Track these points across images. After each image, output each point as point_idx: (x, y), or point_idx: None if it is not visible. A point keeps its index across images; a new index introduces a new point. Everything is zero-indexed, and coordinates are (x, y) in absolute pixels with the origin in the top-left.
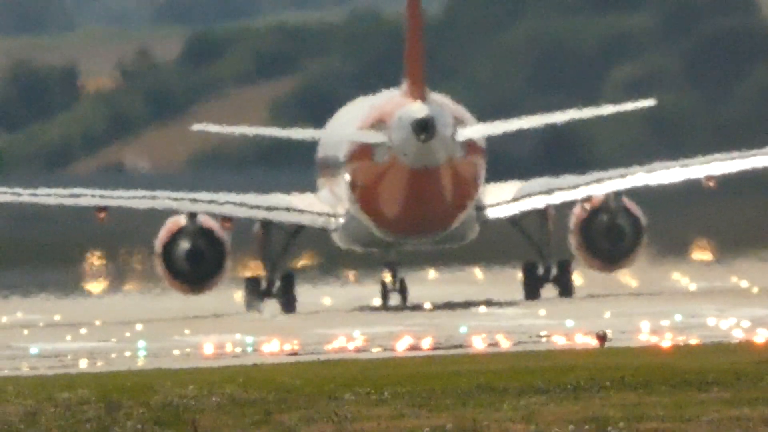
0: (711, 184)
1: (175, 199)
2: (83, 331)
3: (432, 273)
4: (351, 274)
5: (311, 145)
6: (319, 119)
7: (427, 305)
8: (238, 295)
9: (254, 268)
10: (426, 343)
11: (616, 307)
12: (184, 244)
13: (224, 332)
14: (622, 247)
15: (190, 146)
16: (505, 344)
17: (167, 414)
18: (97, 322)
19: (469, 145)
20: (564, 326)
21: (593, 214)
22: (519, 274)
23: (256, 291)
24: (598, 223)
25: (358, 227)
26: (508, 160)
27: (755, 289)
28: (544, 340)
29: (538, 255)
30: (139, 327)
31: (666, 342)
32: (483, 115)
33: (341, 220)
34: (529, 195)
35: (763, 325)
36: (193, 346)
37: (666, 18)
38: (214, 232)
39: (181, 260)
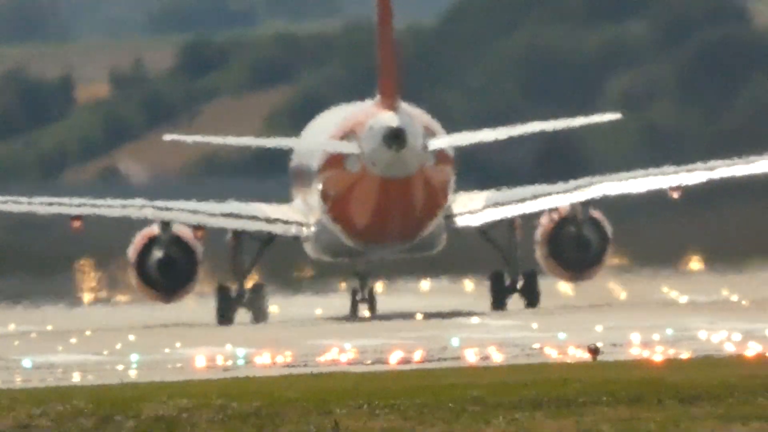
0: (675, 195)
1: (148, 208)
2: (74, 341)
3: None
4: (342, 284)
5: None
6: None
7: (419, 316)
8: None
9: (226, 278)
10: (418, 356)
11: (607, 321)
12: (156, 253)
13: (215, 344)
14: (588, 258)
15: (186, 154)
16: (497, 357)
17: (160, 427)
18: (88, 333)
19: (439, 155)
20: (556, 339)
21: (560, 225)
22: (486, 284)
23: (226, 300)
24: (564, 234)
25: (329, 236)
26: (503, 169)
27: (745, 302)
28: (536, 351)
29: (505, 265)
30: (131, 338)
31: (657, 356)
32: (478, 124)
33: (312, 230)
34: (497, 204)
35: (755, 338)
36: (184, 359)
37: (661, 29)
38: (187, 241)
39: (153, 269)
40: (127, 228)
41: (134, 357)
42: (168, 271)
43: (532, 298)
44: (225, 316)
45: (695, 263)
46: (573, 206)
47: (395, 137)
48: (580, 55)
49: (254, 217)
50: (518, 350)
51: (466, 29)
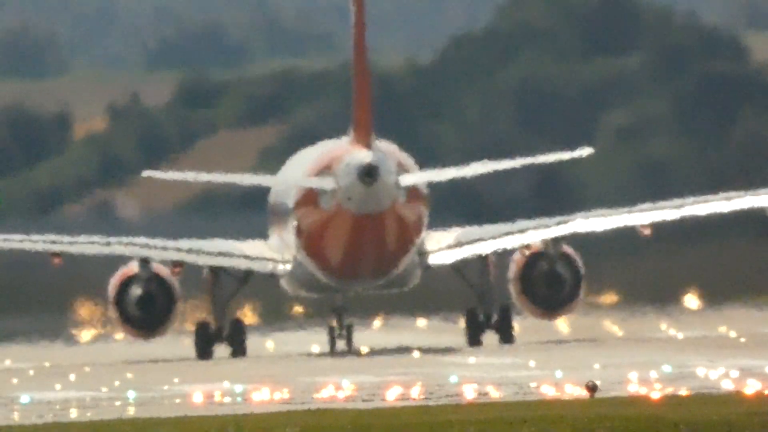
0: (646, 232)
1: (127, 245)
2: (72, 377)
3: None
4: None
5: None
6: None
7: (416, 354)
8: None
9: (204, 314)
10: (415, 393)
11: (605, 358)
12: (135, 290)
13: (213, 380)
14: (561, 295)
15: (183, 190)
16: (495, 394)
17: None
18: (87, 369)
19: (412, 192)
20: (553, 376)
21: (533, 262)
22: (462, 321)
23: (205, 336)
24: (537, 271)
25: (304, 273)
26: (498, 203)
27: (743, 339)
28: (533, 389)
29: (479, 301)
30: (128, 375)
31: (656, 393)
32: (473, 158)
33: (288, 266)
34: (470, 242)
35: (753, 375)
36: (182, 395)
37: (656, 63)
38: (165, 279)
39: (132, 306)
40: (121, 265)
41: (132, 393)
42: (147, 308)
43: (506, 334)
44: (204, 352)
45: (692, 300)
46: (545, 243)
47: (369, 173)
48: (575, 88)
49: (231, 254)
50: (516, 387)
51: (461, 64)
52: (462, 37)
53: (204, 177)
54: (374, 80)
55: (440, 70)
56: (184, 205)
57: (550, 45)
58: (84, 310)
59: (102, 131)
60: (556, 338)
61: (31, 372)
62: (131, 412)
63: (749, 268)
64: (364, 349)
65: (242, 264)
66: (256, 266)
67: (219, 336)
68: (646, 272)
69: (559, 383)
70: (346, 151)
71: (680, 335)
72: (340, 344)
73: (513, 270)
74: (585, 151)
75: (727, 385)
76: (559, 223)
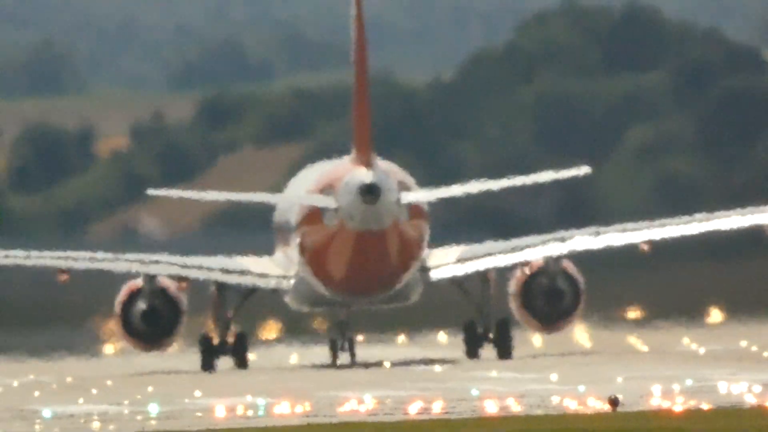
0: (646, 248)
1: (133, 261)
2: (95, 391)
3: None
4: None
5: None
6: None
7: (387, 364)
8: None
9: (209, 327)
10: (437, 407)
11: (627, 372)
12: (141, 304)
13: (235, 394)
14: (560, 309)
15: (204, 208)
16: (516, 408)
17: None
18: (109, 383)
19: (413, 210)
20: (576, 390)
21: (533, 277)
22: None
23: (209, 349)
24: (537, 286)
25: (308, 288)
26: (520, 219)
27: (766, 353)
28: (556, 403)
29: (478, 315)
30: (150, 388)
31: (678, 406)
32: (493, 175)
33: (292, 282)
34: (471, 258)
35: None
36: (204, 409)
37: (678, 79)
38: (170, 293)
39: (138, 319)
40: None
41: (154, 407)
42: (152, 322)
43: (504, 348)
44: (208, 364)
45: (714, 314)
46: (546, 259)
47: (370, 192)
48: (596, 105)
49: (235, 270)
50: (538, 401)
51: (482, 80)
52: (483, 53)
53: (207, 195)
54: (395, 97)
55: (461, 87)
56: (208, 222)
57: (571, 62)
58: (106, 324)
59: (124, 149)
60: (579, 352)
61: (54, 386)
62: (153, 425)
63: None
64: (387, 364)
65: (246, 280)
66: (259, 282)
67: (222, 349)
68: (669, 287)
69: (582, 397)
70: (347, 170)
71: (702, 349)
72: (343, 357)
73: (513, 285)
74: (583, 170)
75: (750, 399)
76: (558, 240)
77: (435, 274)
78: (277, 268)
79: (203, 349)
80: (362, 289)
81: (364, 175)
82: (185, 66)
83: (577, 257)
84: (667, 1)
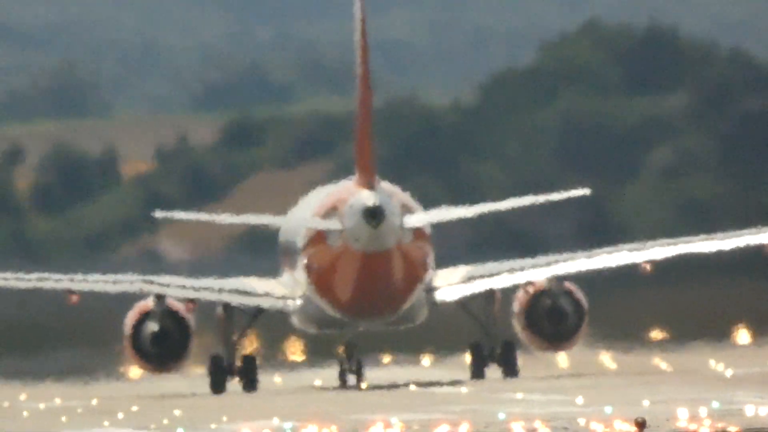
0: (648, 269)
1: (143, 283)
2: (121, 416)
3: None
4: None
5: None
6: None
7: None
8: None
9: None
10: (464, 430)
11: (653, 394)
12: (150, 326)
13: (261, 417)
14: (563, 329)
15: (226, 231)
16: (543, 431)
17: None
18: (135, 408)
19: (416, 232)
20: (602, 412)
21: (536, 297)
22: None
23: (219, 370)
24: (540, 306)
25: (314, 309)
26: (543, 239)
27: None
28: (582, 426)
29: (484, 335)
30: (176, 412)
31: (705, 429)
32: (515, 196)
33: (298, 303)
34: (476, 278)
35: None
36: None
37: (700, 100)
38: (180, 314)
39: (147, 341)
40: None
41: None
42: (161, 344)
43: (509, 368)
44: (217, 386)
45: (742, 335)
46: (548, 280)
47: (374, 214)
48: (618, 126)
49: (242, 292)
50: (565, 423)
51: (503, 101)
52: (504, 74)
53: (215, 218)
54: (418, 118)
55: (483, 108)
56: (230, 245)
57: (592, 82)
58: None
59: (149, 172)
60: (603, 373)
61: (80, 410)
62: None
63: None
64: (412, 387)
65: (253, 301)
66: (266, 303)
67: (231, 370)
68: (695, 308)
69: (608, 420)
70: (351, 193)
71: (729, 371)
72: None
73: (517, 305)
74: (581, 192)
75: None
76: (560, 261)
77: (440, 296)
78: (283, 289)
79: (213, 371)
80: (368, 310)
81: (367, 198)
82: (208, 89)
83: (600, 277)
84: (688, 22)
